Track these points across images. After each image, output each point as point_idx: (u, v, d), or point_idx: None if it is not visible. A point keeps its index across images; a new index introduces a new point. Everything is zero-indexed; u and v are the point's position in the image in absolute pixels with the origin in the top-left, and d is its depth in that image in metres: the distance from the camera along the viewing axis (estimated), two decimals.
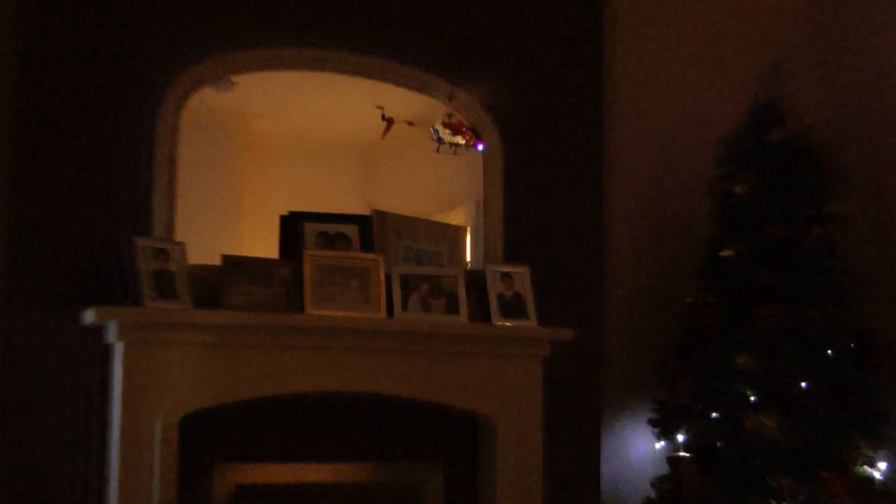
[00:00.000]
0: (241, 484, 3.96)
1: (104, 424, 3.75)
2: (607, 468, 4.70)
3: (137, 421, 3.65)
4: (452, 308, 4.13)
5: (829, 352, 4.38)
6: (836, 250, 4.51)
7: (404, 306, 4.07)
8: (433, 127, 4.51)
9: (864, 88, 5.20)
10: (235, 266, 3.86)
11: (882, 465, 4.34)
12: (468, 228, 4.49)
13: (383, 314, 4.03)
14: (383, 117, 4.52)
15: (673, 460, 4.46)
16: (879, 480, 4.30)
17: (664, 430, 4.62)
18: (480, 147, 4.43)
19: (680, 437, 4.53)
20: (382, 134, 4.53)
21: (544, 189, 4.52)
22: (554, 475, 4.35)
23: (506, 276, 4.26)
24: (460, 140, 4.48)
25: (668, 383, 4.64)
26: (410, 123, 4.55)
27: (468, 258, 4.46)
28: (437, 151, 4.50)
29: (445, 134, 4.49)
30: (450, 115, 4.47)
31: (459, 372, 4.14)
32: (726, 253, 4.53)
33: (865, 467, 4.28)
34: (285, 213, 4.15)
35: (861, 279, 4.65)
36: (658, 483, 4.58)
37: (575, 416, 4.49)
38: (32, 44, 3.88)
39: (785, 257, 4.45)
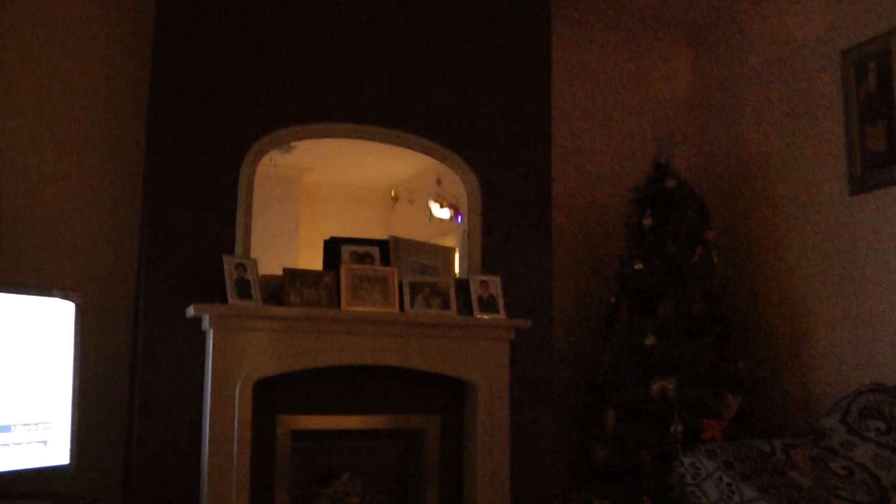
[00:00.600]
0: (295, 429, 3.95)
1: (202, 385, 3.80)
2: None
3: (223, 384, 3.70)
4: (446, 305, 4.14)
5: (706, 335, 4.42)
6: (712, 264, 4.57)
7: (412, 304, 4.08)
8: (427, 203, 4.56)
9: (723, 150, 5.27)
10: (293, 275, 3.90)
11: (744, 415, 4.38)
12: (456, 249, 4.50)
13: (397, 309, 4.04)
14: (392, 197, 4.58)
15: (601, 413, 4.47)
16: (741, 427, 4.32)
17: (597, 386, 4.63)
18: (459, 219, 4.48)
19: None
20: (392, 206, 4.57)
21: (510, 222, 4.55)
22: (518, 423, 4.36)
23: (483, 282, 4.28)
24: (446, 215, 4.53)
25: (597, 358, 4.66)
26: (410, 201, 4.59)
27: (457, 270, 4.46)
28: (430, 221, 4.54)
29: (435, 207, 4.53)
30: (438, 195, 4.52)
31: (451, 350, 4.14)
32: (637, 266, 4.56)
33: (732, 417, 4.28)
34: (328, 238, 4.17)
35: (724, 285, 4.71)
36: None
37: (532, 382, 4.49)
38: (161, 120, 3.92)
39: (677, 269, 4.50)
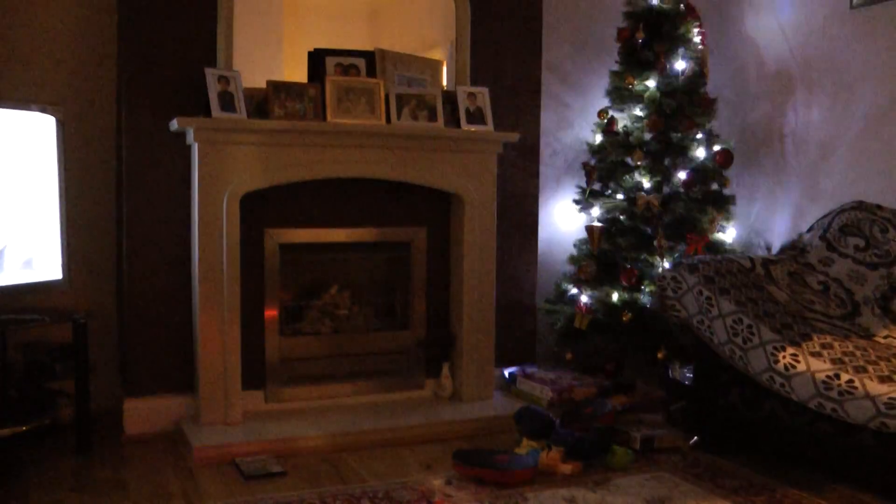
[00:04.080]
0: (283, 242, 4.09)
1: (189, 200, 3.91)
2: (543, 234, 4.87)
3: (210, 198, 3.80)
4: (433, 117, 4.18)
5: (698, 154, 4.52)
6: (703, 77, 4.61)
7: (398, 116, 4.12)
8: None
9: None
10: (277, 88, 3.92)
11: (731, 231, 4.57)
12: (444, 62, 4.50)
13: (383, 121, 4.08)
14: None
15: (588, 228, 4.61)
16: (728, 243, 4.53)
17: (583, 206, 4.75)
18: None
19: (595, 213, 4.66)
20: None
21: (499, 35, 4.52)
22: (504, 234, 4.53)
23: (471, 94, 4.31)
24: None
25: (587, 175, 4.77)
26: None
27: (444, 82, 4.48)
28: None
29: None
30: None
31: (438, 162, 4.22)
32: (629, 81, 4.60)
33: (718, 233, 4.49)
34: (312, 50, 4.14)
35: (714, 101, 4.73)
36: (578, 244, 4.76)
37: (519, 196, 4.62)
38: None
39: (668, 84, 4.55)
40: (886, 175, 4.14)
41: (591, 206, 4.69)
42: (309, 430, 3.81)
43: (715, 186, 4.53)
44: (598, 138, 4.73)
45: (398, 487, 3.31)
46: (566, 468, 3.46)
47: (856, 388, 3.00)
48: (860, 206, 3.99)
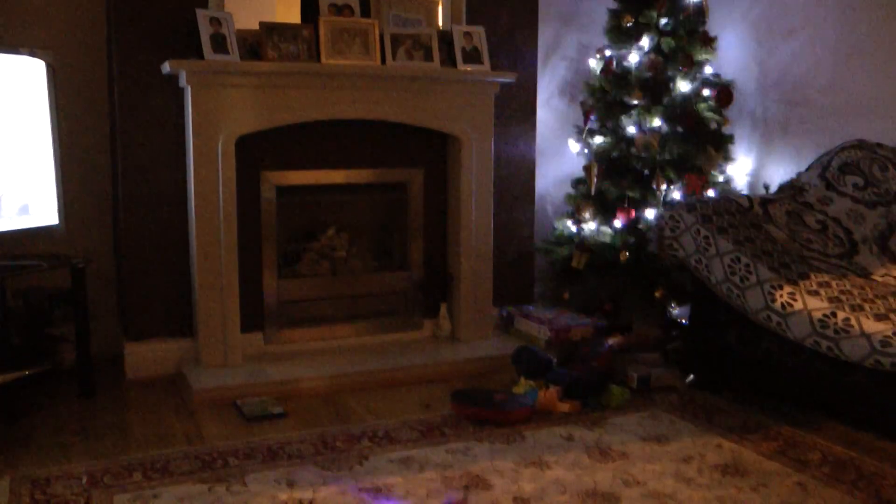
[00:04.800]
0: (279, 185, 4.06)
1: (184, 144, 3.87)
2: (541, 174, 4.83)
3: (205, 142, 3.76)
4: (428, 57, 4.12)
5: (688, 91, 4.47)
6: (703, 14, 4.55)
7: (394, 56, 4.06)
8: None
9: None
10: (270, 29, 3.86)
11: (726, 172, 4.54)
12: (439, 1, 4.41)
13: (378, 62, 4.02)
14: None
15: (586, 167, 4.59)
16: (722, 182, 4.49)
17: (582, 146, 4.71)
18: None
19: (593, 152, 4.62)
20: None
21: None
22: (502, 175, 4.51)
23: (467, 34, 4.25)
24: None
25: (585, 115, 4.71)
26: None
27: (440, 22, 4.41)
28: None
29: None
30: None
31: (434, 103, 4.17)
32: (627, 20, 4.54)
33: (715, 172, 4.46)
34: None
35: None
36: (575, 183, 4.74)
37: (517, 137, 4.58)
38: None
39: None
40: (889, 114, 4.09)
41: (590, 145, 4.64)
42: (308, 371, 3.83)
43: (715, 125, 4.47)
44: (597, 77, 4.66)
45: (397, 427, 3.34)
46: (563, 407, 3.49)
47: (852, 326, 3.00)
48: (860, 144, 3.96)
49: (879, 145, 3.92)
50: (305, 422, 3.40)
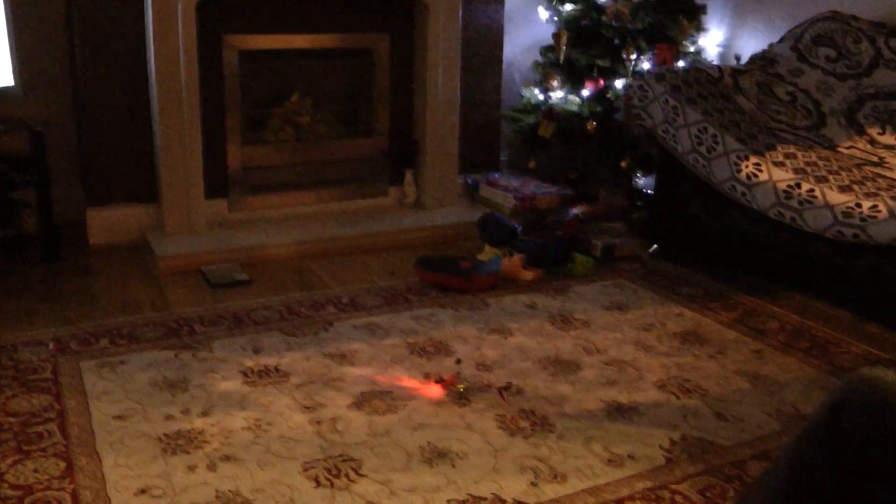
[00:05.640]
0: (242, 49, 3.90)
1: (142, 8, 3.69)
2: (509, 41, 4.69)
3: (164, 5, 3.58)
4: None
5: None
6: None
7: None
8: None
9: None
10: None
11: (698, 42, 4.42)
12: None
13: None
14: None
15: (555, 35, 4.45)
16: (693, 53, 4.36)
17: (552, 12, 4.53)
18: None
19: (563, 19, 4.46)
20: None
21: None
22: (470, 42, 4.37)
23: None
24: None
25: None
26: None
27: None
28: None
29: None
30: None
31: None
32: None
33: (687, 42, 4.30)
34: None
35: None
36: (544, 51, 4.61)
37: (486, 1, 4.43)
38: None
39: None
40: None
41: (559, 13, 4.49)
42: (273, 238, 3.79)
43: None
44: None
45: (362, 293, 3.33)
46: (527, 275, 3.49)
47: (815, 197, 2.99)
48: (835, 16, 3.87)
49: (854, 17, 3.83)
50: (270, 289, 3.38)
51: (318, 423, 2.35)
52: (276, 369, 2.66)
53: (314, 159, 4.21)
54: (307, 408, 2.43)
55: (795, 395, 2.58)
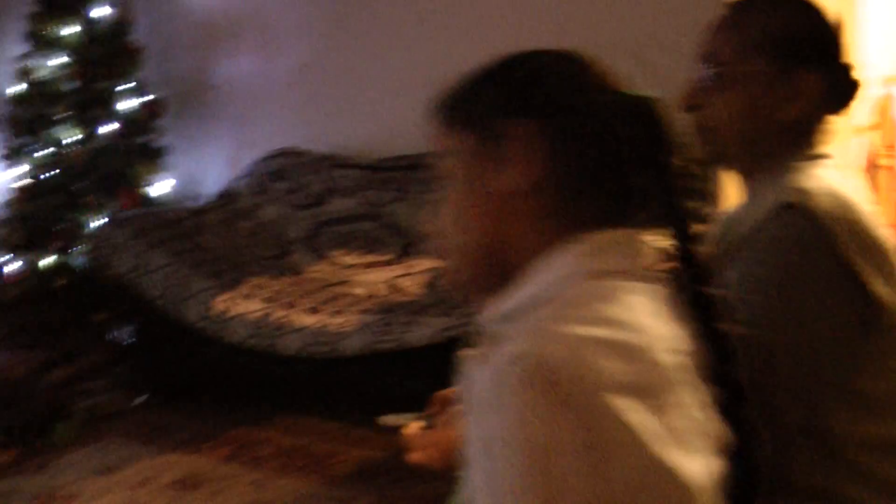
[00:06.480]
0: None
1: None
2: None
3: None
4: None
5: (126, 104, 4.29)
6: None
7: None
8: None
9: None
10: None
11: (160, 185, 4.42)
12: None
13: None
14: None
15: (14, 188, 4.19)
16: (156, 196, 4.38)
17: (12, 164, 4.26)
18: None
19: (23, 171, 4.22)
20: None
21: None
22: None
23: None
24: None
25: (13, 129, 4.28)
26: None
27: None
28: None
29: None
30: None
31: None
32: None
33: (147, 187, 4.33)
34: None
35: None
36: (10, 206, 4.27)
37: None
38: None
39: None
40: (312, 123, 4.32)
41: (17, 165, 4.23)
42: None
43: (146, 138, 4.34)
44: (18, 90, 4.25)
45: None
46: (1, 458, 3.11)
47: (286, 323, 3.10)
48: (287, 152, 4.14)
49: (305, 152, 4.13)
50: None
51: None
52: None
53: None
54: None
55: None
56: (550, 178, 0.88)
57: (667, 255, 0.91)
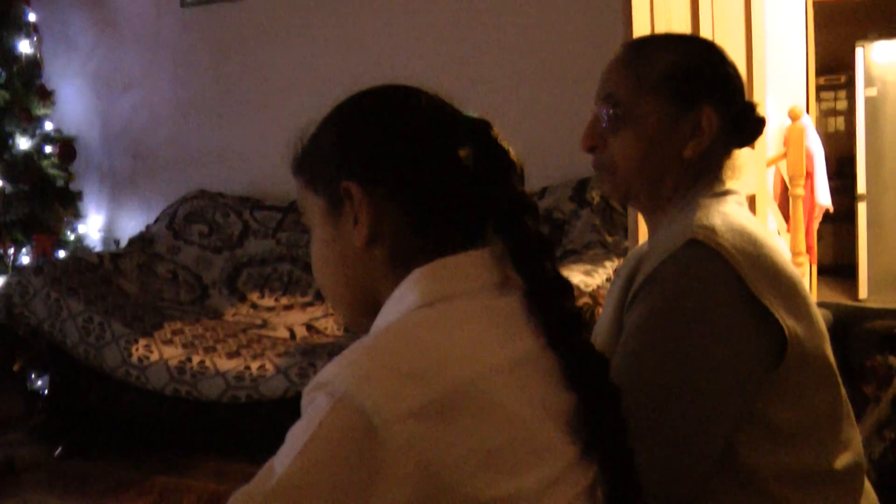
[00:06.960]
0: None
1: None
2: None
3: None
4: None
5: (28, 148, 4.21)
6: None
7: None
8: None
9: None
10: None
11: (80, 227, 4.35)
12: None
13: None
14: None
15: None
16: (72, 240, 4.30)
17: None
18: None
19: None
20: None
21: None
22: None
23: None
24: None
25: None
26: None
27: None
28: None
29: None
30: None
31: None
32: None
33: (66, 230, 4.26)
34: None
35: None
36: None
37: None
38: None
39: None
40: (227, 165, 4.30)
41: None
42: None
43: (60, 183, 4.26)
44: None
45: None
46: None
47: (207, 367, 3.06)
48: (203, 194, 4.11)
49: (221, 194, 4.10)
50: None
51: None
52: None
53: None
54: None
55: None
56: (384, 231, 0.94)
57: (512, 271, 0.94)
